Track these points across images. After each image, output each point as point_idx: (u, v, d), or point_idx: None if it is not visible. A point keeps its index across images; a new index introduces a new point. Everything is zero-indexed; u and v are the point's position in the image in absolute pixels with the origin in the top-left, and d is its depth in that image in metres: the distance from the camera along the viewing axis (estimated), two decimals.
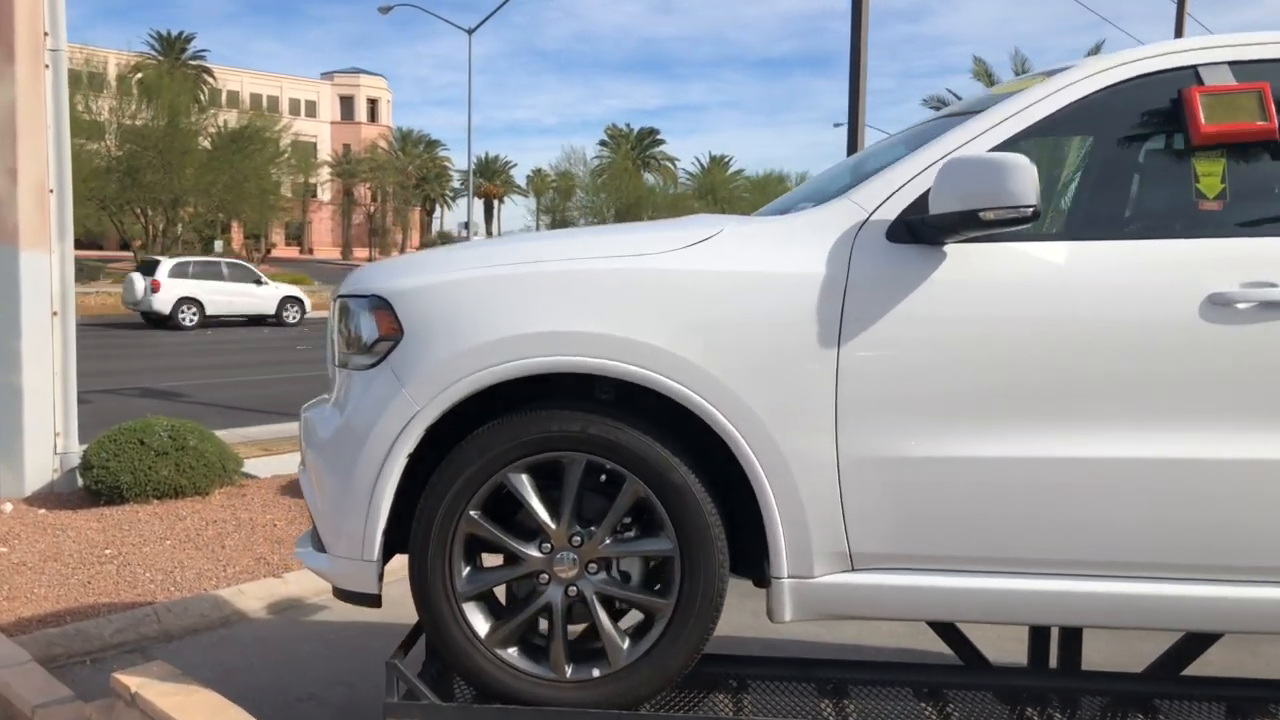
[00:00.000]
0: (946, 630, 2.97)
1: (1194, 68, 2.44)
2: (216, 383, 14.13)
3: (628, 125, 73.13)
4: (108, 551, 5.54)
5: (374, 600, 2.56)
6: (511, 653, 2.48)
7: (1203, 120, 2.36)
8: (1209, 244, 2.33)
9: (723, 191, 61.23)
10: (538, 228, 75.13)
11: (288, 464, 7.82)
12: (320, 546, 2.62)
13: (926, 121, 3.06)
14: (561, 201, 63.39)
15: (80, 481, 6.54)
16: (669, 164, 69.49)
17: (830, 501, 2.36)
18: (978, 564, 2.37)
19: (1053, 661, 3.18)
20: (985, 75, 15.26)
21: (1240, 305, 2.28)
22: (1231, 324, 2.28)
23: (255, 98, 68.88)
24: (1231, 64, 2.43)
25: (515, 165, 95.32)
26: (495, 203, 78.39)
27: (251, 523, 6.24)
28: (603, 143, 69.77)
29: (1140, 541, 2.31)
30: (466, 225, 43.22)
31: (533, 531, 2.47)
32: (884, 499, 2.35)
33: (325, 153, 72.44)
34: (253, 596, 5.23)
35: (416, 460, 2.46)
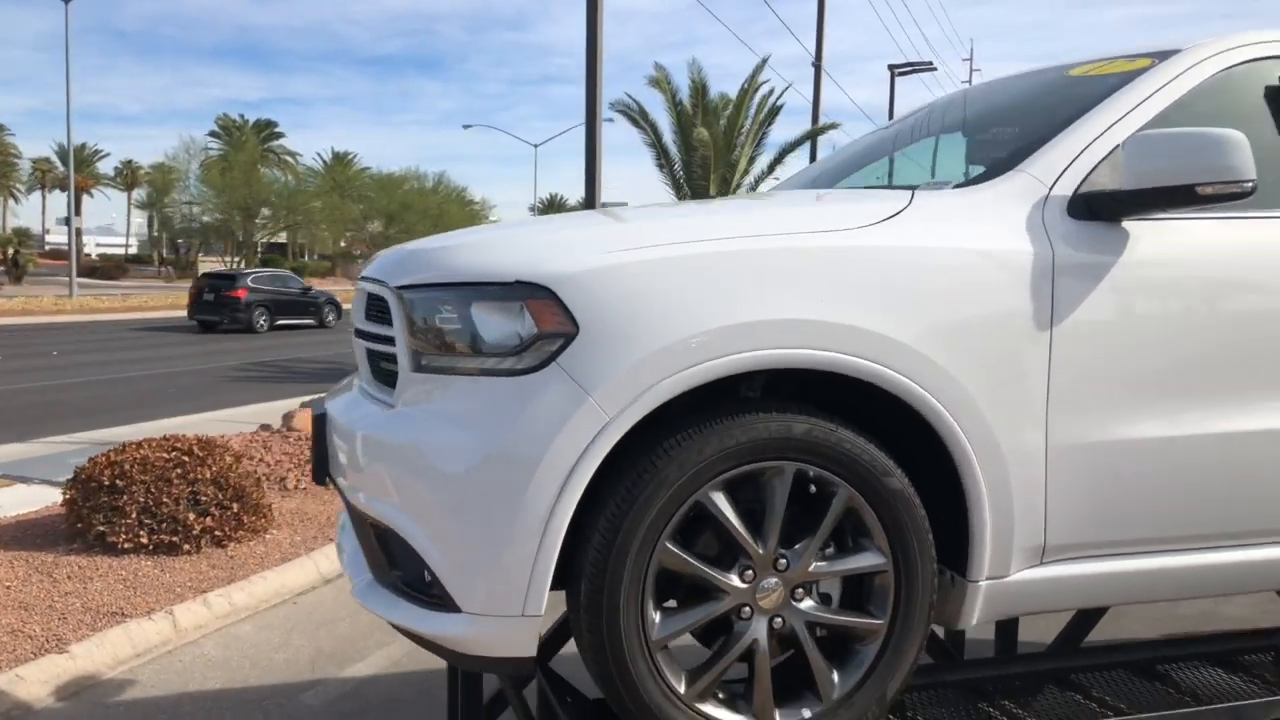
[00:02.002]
0: None
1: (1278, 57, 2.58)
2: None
3: (242, 116, 67.80)
4: None
5: (530, 665, 2.02)
6: (709, 706, 2.07)
7: None
8: None
9: (350, 189, 58.74)
10: (149, 224, 67.40)
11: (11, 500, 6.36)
12: (435, 604, 2.04)
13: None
14: (159, 197, 57.25)
15: None
16: (290, 159, 65.30)
17: (1036, 494, 2.22)
18: (1166, 544, 2.35)
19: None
20: (665, 83, 15.85)
21: None
22: None
23: None
24: None
25: (106, 155, 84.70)
26: (83, 195, 69.11)
27: None
28: (214, 134, 64.00)
29: None
30: (68, 221, 37.60)
31: (721, 559, 2.08)
32: (1083, 486, 2.25)
33: None
34: (35, 681, 4.09)
35: None
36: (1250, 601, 4.93)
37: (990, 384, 2.14)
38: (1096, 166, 2.31)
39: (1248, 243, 2.38)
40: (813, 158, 20.02)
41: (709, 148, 15.39)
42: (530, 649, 2.01)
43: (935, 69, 28.98)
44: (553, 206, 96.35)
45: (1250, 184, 2.15)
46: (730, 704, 2.10)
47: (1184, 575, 2.38)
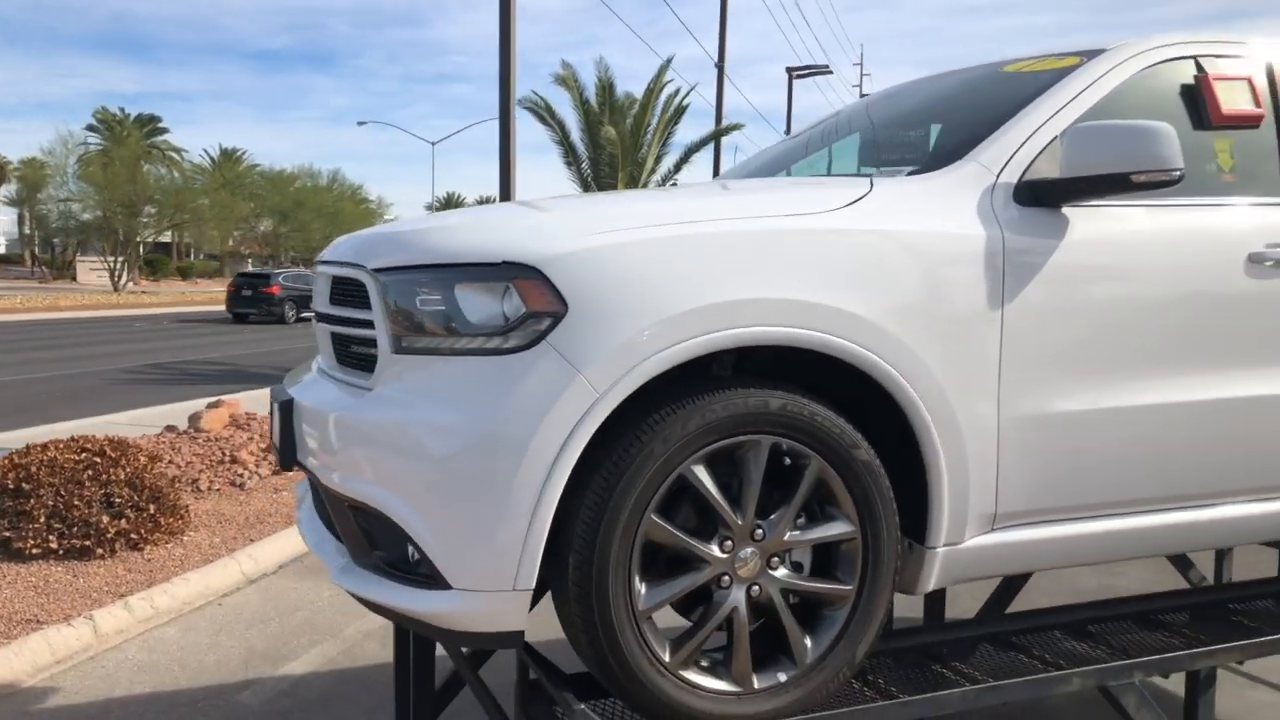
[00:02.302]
0: None
1: (1195, 58, 2.79)
2: None
3: (123, 110, 64.90)
4: None
5: (519, 639, 2.06)
6: (692, 673, 2.14)
7: (1221, 104, 2.72)
8: (1241, 210, 2.69)
9: (240, 186, 56.83)
10: (19, 222, 63.90)
11: None
12: (423, 582, 2.05)
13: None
14: (31, 194, 54.41)
15: None
16: (175, 155, 62.79)
17: (989, 464, 2.35)
18: (1105, 509, 2.52)
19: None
20: (573, 81, 15.90)
21: (1265, 264, 2.66)
22: (1263, 279, 2.65)
23: None
24: (1216, 56, 2.82)
25: None
26: None
27: None
28: (92, 128, 61.11)
29: (1237, 470, 2.63)
30: None
31: (701, 531, 2.15)
32: (1031, 456, 2.40)
33: None
34: None
35: None
36: (1141, 575, 5.26)
37: (948, 360, 2.27)
38: (1038, 156, 2.47)
39: (1169, 228, 2.57)
40: (716, 158, 20.31)
41: (617, 146, 15.48)
42: (521, 622, 2.04)
43: (831, 72, 29.70)
44: (450, 204, 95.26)
45: (1178, 172, 2.33)
46: (711, 671, 2.17)
47: (1122, 538, 2.56)
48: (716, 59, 20.08)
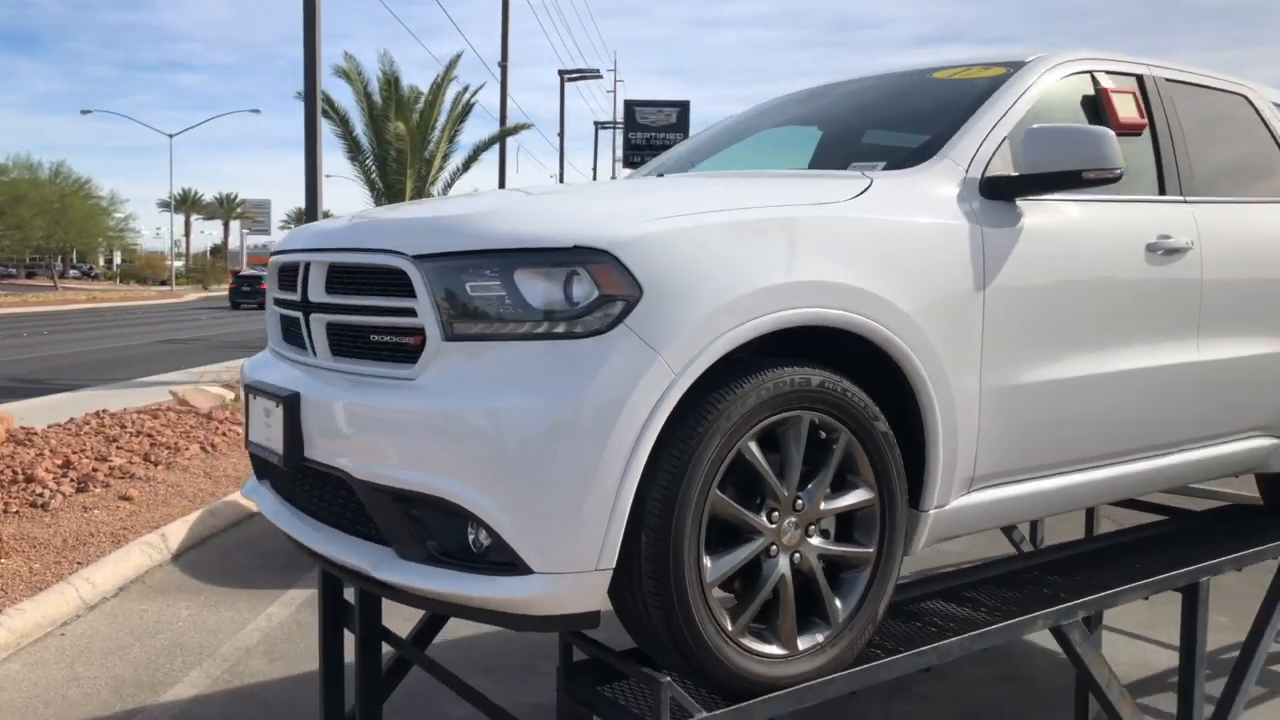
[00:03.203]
0: None
1: (1092, 72, 3.18)
2: None
3: None
4: None
5: (596, 619, 2.08)
6: (748, 639, 2.23)
7: (1119, 112, 3.12)
8: (1139, 206, 3.10)
9: None
10: None
11: None
12: (497, 569, 2.04)
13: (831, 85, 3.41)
14: None
15: None
16: None
17: (973, 432, 2.60)
18: (1063, 466, 2.88)
19: None
20: (356, 74, 15.32)
21: (1160, 250, 3.08)
22: (1162, 264, 3.08)
23: None
24: (1108, 72, 3.22)
25: None
26: None
27: None
28: None
29: (1154, 427, 3.05)
30: None
31: (750, 504, 2.25)
32: (1004, 423, 2.67)
33: None
34: None
35: None
36: (965, 542, 5.83)
37: (946, 338, 2.49)
38: (994, 154, 2.75)
39: (1093, 219, 2.93)
40: (502, 158, 20.27)
41: (406, 142, 15.10)
42: (599, 602, 2.06)
43: (601, 76, 30.30)
44: (186, 201, 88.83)
45: (1119, 171, 2.67)
46: (760, 636, 2.27)
47: (1073, 491, 2.92)
48: (500, 59, 20.00)
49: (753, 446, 2.19)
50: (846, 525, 2.44)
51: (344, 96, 15.53)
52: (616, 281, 2.04)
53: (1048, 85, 3.00)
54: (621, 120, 18.34)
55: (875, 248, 2.38)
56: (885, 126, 3.27)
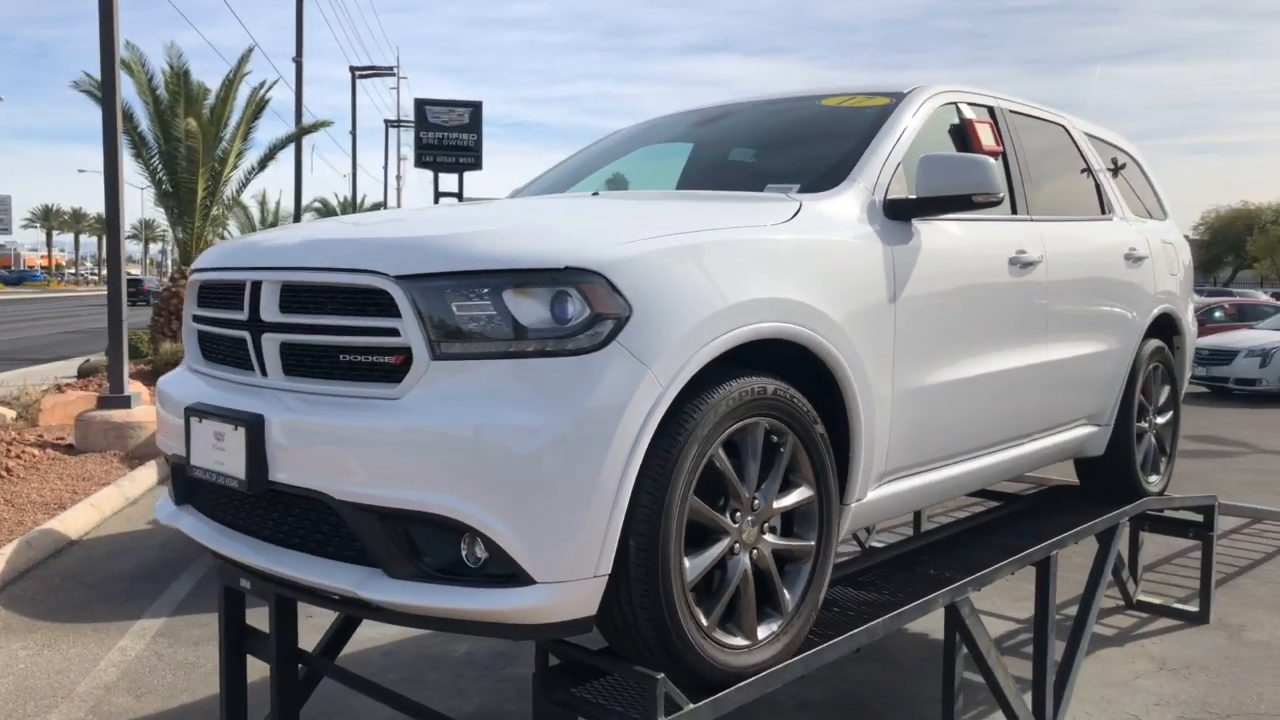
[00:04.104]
0: None
1: (957, 104, 3.55)
2: None
3: None
4: None
5: (591, 623, 2.17)
6: (719, 633, 2.39)
7: (982, 140, 3.50)
8: (1001, 225, 3.49)
9: None
10: None
11: None
12: (497, 582, 2.10)
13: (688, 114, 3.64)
14: None
15: None
16: None
17: (885, 430, 2.87)
18: (951, 458, 3.21)
19: None
20: (139, 65, 14.28)
21: (1019, 264, 3.48)
22: (1020, 277, 3.48)
23: None
24: (970, 104, 3.61)
25: None
26: None
27: None
28: None
29: (1013, 421, 3.43)
30: None
31: (716, 507, 2.41)
32: (907, 422, 2.96)
33: None
34: None
35: None
36: None
37: (869, 347, 2.75)
38: (892, 178, 3.04)
39: (970, 237, 3.29)
40: (298, 157, 19.45)
41: (198, 139, 14.23)
42: (595, 607, 2.16)
43: (394, 73, 29.56)
44: None
45: (1001, 195, 3.02)
46: (726, 629, 2.44)
47: (958, 480, 3.28)
48: (295, 53, 19.13)
49: (721, 453, 2.35)
50: (788, 522, 2.64)
51: (125, 89, 14.38)
52: (608, 301, 2.14)
53: (926, 114, 3.33)
54: (413, 119, 17.96)
55: (815, 265, 2.60)
56: (786, 148, 3.52)
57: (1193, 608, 5.16)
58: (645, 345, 2.16)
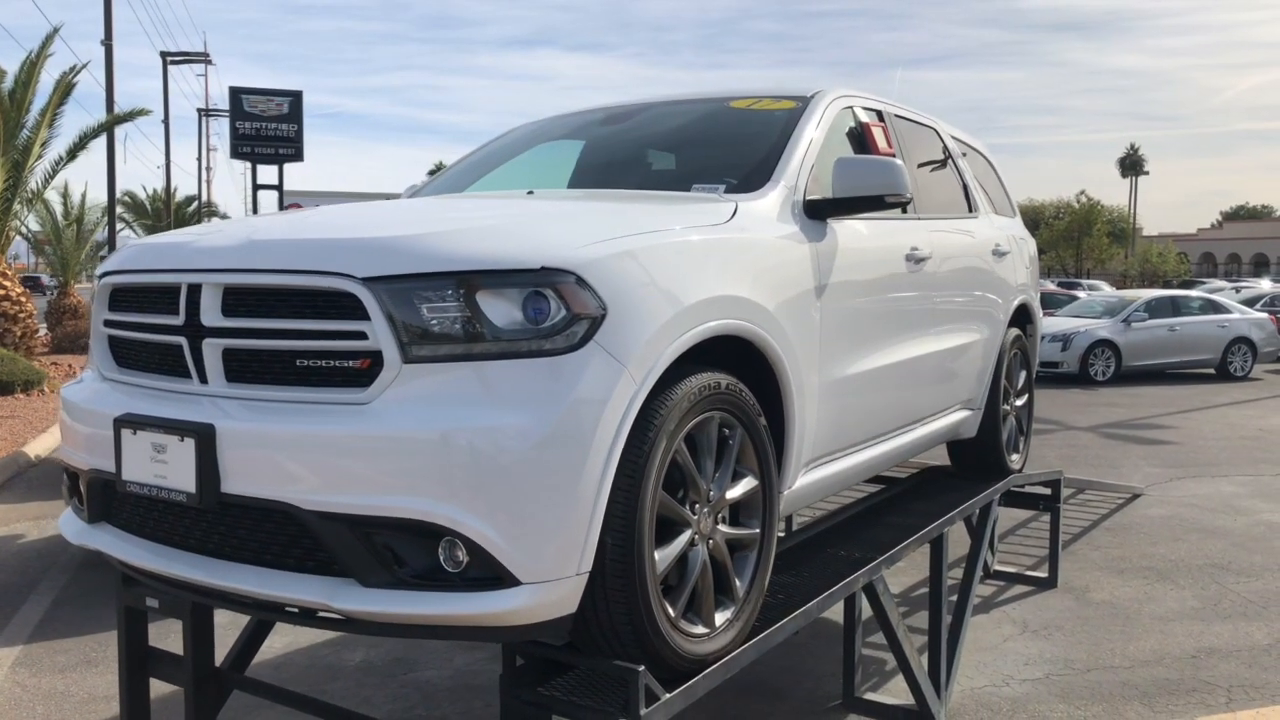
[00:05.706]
0: None
1: (852, 107, 3.72)
2: None
3: None
4: None
5: (571, 621, 2.18)
6: (683, 622, 2.44)
7: (878, 143, 3.68)
8: (897, 223, 3.69)
9: None
10: None
11: None
12: (479, 585, 2.08)
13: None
14: None
15: None
16: None
17: (812, 420, 3.01)
18: (857, 445, 3.40)
19: None
20: None
21: (913, 260, 3.70)
22: (914, 272, 3.70)
23: None
24: (866, 108, 3.79)
25: None
26: None
27: None
28: None
29: (911, 407, 3.66)
30: None
31: (678, 500, 2.46)
32: (828, 411, 3.10)
33: None
34: None
35: None
36: None
37: (800, 340, 2.86)
38: (809, 179, 3.17)
39: (875, 234, 3.47)
40: (110, 146, 18.14)
41: None
42: (575, 605, 2.17)
43: (210, 61, 27.98)
44: None
45: (910, 196, 3.20)
46: (689, 619, 2.49)
47: (865, 465, 3.47)
48: (104, 35, 17.74)
49: (683, 447, 2.41)
50: (735, 512, 2.73)
51: None
52: (583, 301, 2.16)
53: (830, 118, 3.48)
54: (227, 108, 17.16)
55: (756, 263, 2.70)
56: (703, 149, 3.60)
57: (1042, 574, 5.61)
58: (621, 344, 2.19)
